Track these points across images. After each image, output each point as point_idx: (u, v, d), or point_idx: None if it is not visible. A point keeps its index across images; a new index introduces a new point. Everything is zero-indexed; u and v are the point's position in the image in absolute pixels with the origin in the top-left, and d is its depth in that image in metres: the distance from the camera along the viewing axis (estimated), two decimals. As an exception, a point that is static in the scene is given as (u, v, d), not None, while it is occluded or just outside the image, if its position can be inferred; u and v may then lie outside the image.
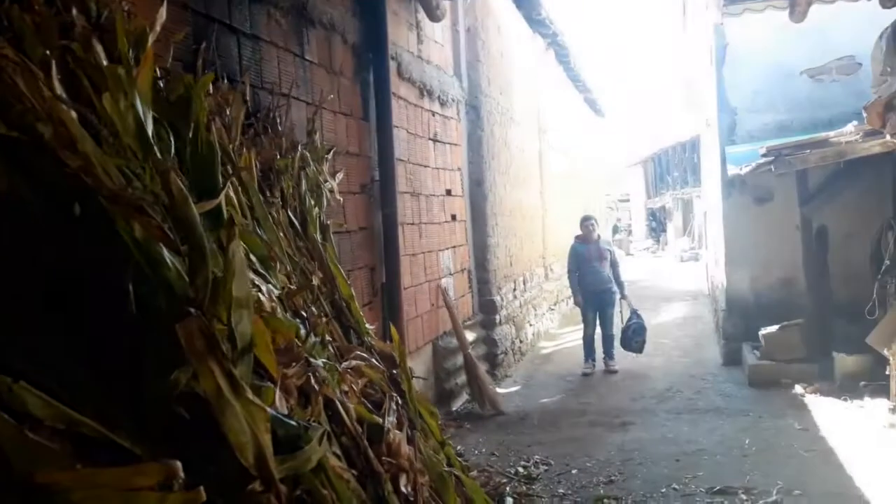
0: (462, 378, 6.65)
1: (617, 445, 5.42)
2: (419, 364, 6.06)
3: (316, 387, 2.41)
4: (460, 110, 7.53)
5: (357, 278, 4.84)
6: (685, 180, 29.14)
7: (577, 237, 8.35)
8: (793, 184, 7.03)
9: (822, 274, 7.12)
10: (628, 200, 41.00)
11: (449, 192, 7.06)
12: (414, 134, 6.14)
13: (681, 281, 18.08)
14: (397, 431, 3.02)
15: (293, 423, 1.91)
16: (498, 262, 8.28)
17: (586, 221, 8.24)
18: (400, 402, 3.52)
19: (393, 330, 3.79)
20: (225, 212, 2.53)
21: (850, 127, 5.91)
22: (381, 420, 3.08)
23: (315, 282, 3.52)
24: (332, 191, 4.27)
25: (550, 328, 11.10)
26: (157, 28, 2.06)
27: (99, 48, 1.84)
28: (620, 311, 8.38)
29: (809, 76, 7.65)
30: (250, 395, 1.57)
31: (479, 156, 7.83)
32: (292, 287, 3.10)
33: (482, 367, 6.83)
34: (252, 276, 2.66)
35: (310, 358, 2.61)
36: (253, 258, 2.83)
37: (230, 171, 2.96)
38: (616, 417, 6.19)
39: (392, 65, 5.67)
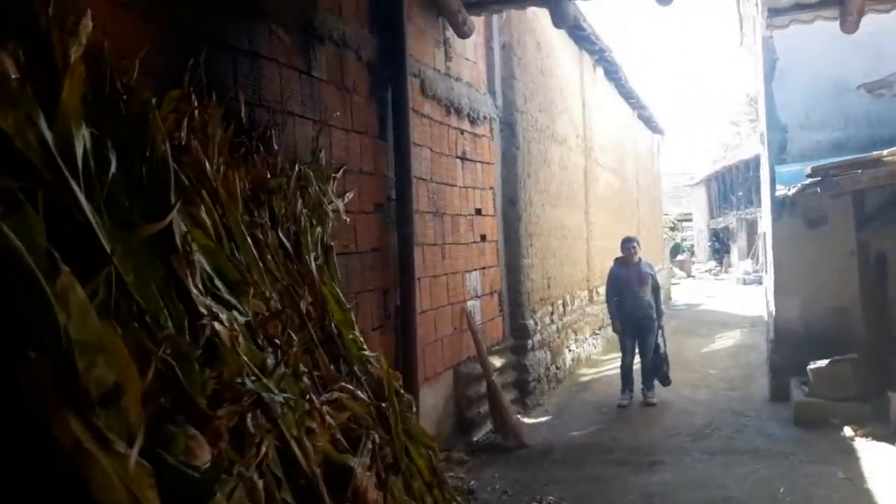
0: (485, 406, 6.40)
1: (640, 489, 5.07)
2: (438, 391, 5.86)
3: (252, 428, 2.23)
4: (493, 128, 7.33)
5: (366, 301, 4.68)
6: (749, 200, 28.16)
7: (617, 259, 8.02)
8: (848, 206, 6.55)
9: (880, 304, 6.60)
10: (690, 220, 39.92)
11: (479, 212, 6.86)
12: (439, 152, 5.97)
13: (741, 306, 17.36)
14: (367, 473, 2.82)
15: (196, 475, 1.73)
16: (532, 285, 8.01)
17: (627, 243, 7.90)
18: (382, 438, 3.33)
19: (383, 359, 3.57)
20: (178, 237, 2.42)
21: (905, 146, 5.46)
22: (353, 460, 2.90)
23: (303, 306, 3.37)
24: (336, 211, 4.13)
25: (593, 354, 10.72)
26: (83, 40, 1.94)
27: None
28: (664, 338, 7.99)
29: (867, 91, 7.16)
30: (122, 447, 1.41)
31: (513, 174, 7.61)
32: (267, 313, 2.94)
33: (506, 396, 6.56)
34: (210, 302, 2.53)
35: (264, 394, 2.45)
36: (219, 284, 2.69)
37: (203, 192, 2.85)
38: (646, 456, 5.83)
39: (414, 82, 5.54)
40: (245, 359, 2.55)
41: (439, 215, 5.93)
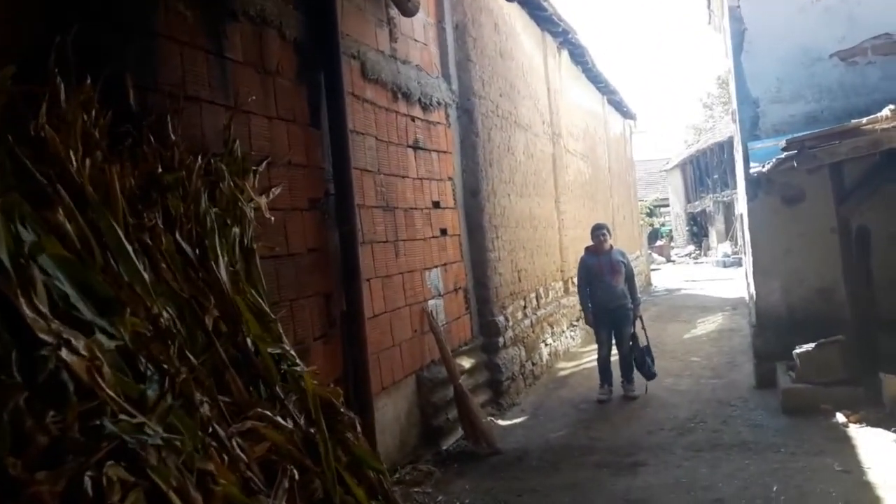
0: (454, 412, 5.94)
1: (621, 494, 4.64)
2: (399, 400, 5.39)
3: (107, 484, 1.75)
4: (450, 114, 6.86)
5: (303, 308, 4.20)
6: (725, 182, 27.98)
7: (588, 248, 7.58)
8: (826, 181, 6.15)
9: (865, 282, 6.21)
10: (667, 206, 39.76)
11: (437, 205, 6.39)
12: (386, 141, 5.49)
13: (721, 289, 17.08)
14: (277, 520, 2.35)
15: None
16: (501, 279, 7.56)
17: (597, 231, 7.46)
18: (311, 469, 2.85)
19: (307, 377, 3.09)
20: (3, 250, 1.93)
21: (885, 111, 5.05)
22: (265, 502, 2.42)
23: (209, 321, 2.88)
24: (258, 209, 3.64)
25: (571, 346, 10.30)
26: None
27: None
28: (643, 328, 7.57)
29: (840, 59, 6.76)
30: None
31: (474, 163, 7.15)
32: (150, 332, 2.45)
33: (475, 400, 6.10)
34: (59, 327, 2.04)
35: (128, 437, 1.96)
36: (80, 303, 2.19)
37: (62, 191, 2.35)
38: (627, 456, 5.40)
39: (354, 64, 5.07)
40: (110, 393, 2.06)
41: (390, 210, 5.45)
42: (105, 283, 2.38)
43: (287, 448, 2.83)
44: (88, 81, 2.73)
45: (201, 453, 2.30)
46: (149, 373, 2.38)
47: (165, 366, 2.42)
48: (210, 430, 2.53)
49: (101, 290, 2.35)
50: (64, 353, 1.96)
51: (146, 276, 2.57)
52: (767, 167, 5.80)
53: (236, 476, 2.52)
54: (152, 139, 2.97)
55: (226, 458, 2.52)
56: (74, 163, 2.47)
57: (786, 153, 5.15)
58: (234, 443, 2.63)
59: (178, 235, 2.96)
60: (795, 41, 6.82)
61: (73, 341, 2.03)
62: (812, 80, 6.84)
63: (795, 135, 5.90)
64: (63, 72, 2.66)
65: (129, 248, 2.54)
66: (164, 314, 2.66)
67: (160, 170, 2.93)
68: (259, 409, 2.82)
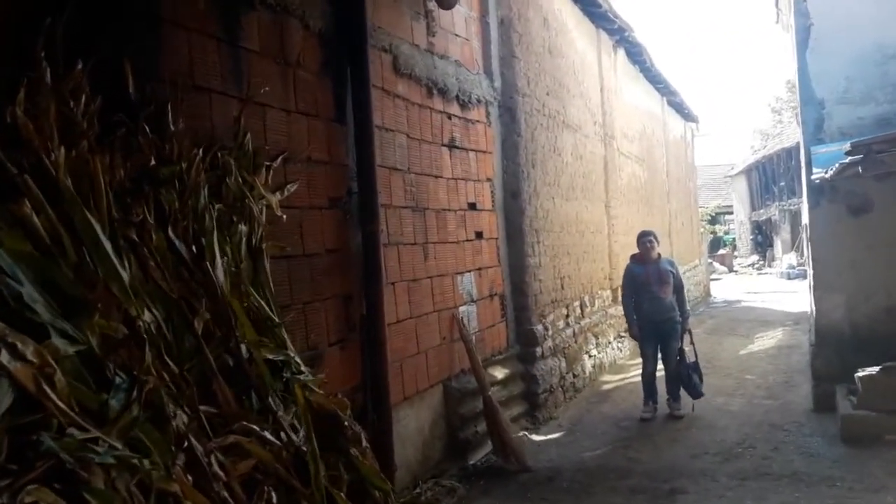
0: (483, 425, 5.66)
1: (654, 524, 4.30)
2: (423, 410, 5.16)
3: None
4: (490, 113, 6.59)
5: (318, 312, 4.00)
6: (792, 190, 26.85)
7: (633, 257, 7.19)
8: (897, 190, 5.66)
9: (940, 302, 5.68)
10: (731, 213, 38.46)
11: (473, 206, 6.13)
12: (418, 139, 5.26)
13: (784, 302, 16.29)
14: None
15: None
16: (542, 286, 7.24)
17: (644, 238, 7.06)
18: (300, 491, 2.63)
19: (298, 389, 2.87)
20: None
21: (967, 114, 4.56)
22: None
23: (198, 325, 2.69)
24: (268, 206, 3.46)
25: (618, 359, 9.88)
26: None
27: None
28: (692, 343, 7.14)
29: (919, 57, 6.21)
30: None
31: (515, 164, 6.85)
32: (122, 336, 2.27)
33: (505, 413, 5.80)
34: (5, 330, 1.86)
35: (65, 456, 1.77)
36: (38, 303, 2.02)
37: (30, 182, 2.19)
38: (665, 482, 5.02)
39: (385, 58, 4.86)
40: (59, 404, 1.87)
41: (420, 210, 5.22)
42: (75, 283, 2.21)
43: (273, 466, 2.61)
44: (79, 67, 2.58)
45: (163, 471, 2.10)
46: (117, 381, 2.20)
47: (136, 373, 2.24)
48: (185, 444, 2.34)
49: (68, 289, 2.18)
50: (5, 358, 1.79)
51: (125, 274, 2.39)
52: (830, 173, 5.34)
53: (211, 497, 2.32)
54: (147, 130, 2.80)
55: (200, 476, 2.33)
56: (53, 152, 2.32)
57: (850, 158, 4.69)
58: (213, 459, 2.43)
59: (171, 232, 2.78)
60: (867, 37, 6.29)
61: (20, 345, 1.85)
62: (885, 79, 6.29)
63: (862, 138, 5.43)
64: (55, 57, 2.52)
65: (108, 245, 2.37)
66: (147, 316, 2.49)
67: (154, 162, 2.76)
68: (245, 423, 2.62)
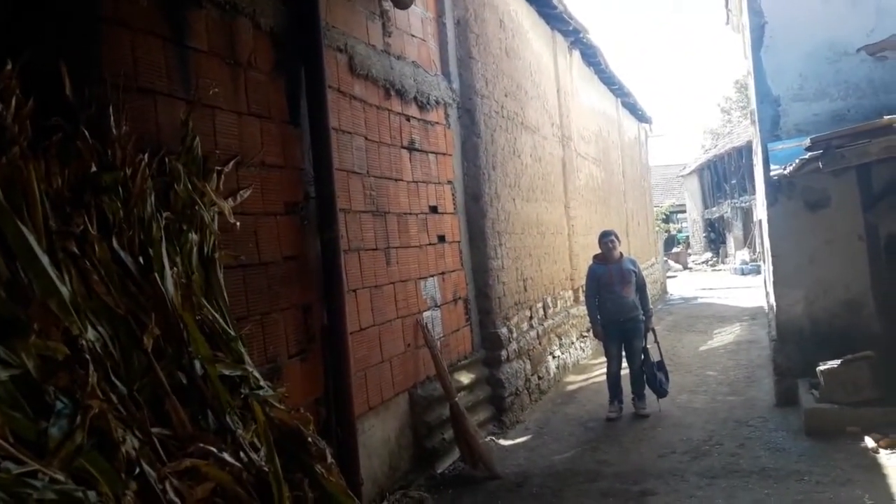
0: (451, 432, 5.54)
1: (627, 528, 4.23)
2: (389, 420, 5.01)
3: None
4: (450, 114, 6.49)
5: (277, 323, 3.83)
6: (743, 188, 27.45)
7: (596, 257, 7.16)
8: (853, 184, 5.72)
9: (896, 294, 5.76)
10: (684, 212, 39.13)
11: (434, 210, 6.01)
12: (376, 141, 5.12)
13: (739, 297, 16.57)
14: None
15: None
16: (505, 288, 7.16)
17: (605, 238, 7.04)
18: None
19: (257, 406, 2.72)
20: None
21: (922, 108, 4.62)
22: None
23: (148, 341, 2.51)
24: (220, 213, 3.28)
25: (581, 359, 9.86)
26: None
27: None
28: (656, 341, 7.14)
29: (869, 53, 6.29)
30: None
31: (475, 166, 6.76)
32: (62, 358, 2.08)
33: (473, 419, 5.70)
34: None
35: (1, 493, 1.59)
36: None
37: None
38: (634, 483, 4.97)
39: (341, 58, 4.71)
40: (-10, 436, 1.69)
41: (380, 215, 5.08)
42: (7, 301, 2.02)
43: (234, 489, 2.45)
44: (8, 67, 2.38)
45: (112, 502, 1.92)
46: (58, 406, 2.02)
47: (80, 397, 2.06)
48: (136, 471, 2.16)
49: (0, 308, 2.00)
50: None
51: (65, 290, 2.21)
52: (790, 169, 5.37)
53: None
54: (87, 134, 2.61)
55: (153, 504, 2.16)
56: (-20, 159, 2.12)
57: (810, 153, 4.71)
58: (168, 485, 2.25)
59: (115, 243, 2.60)
60: (820, 35, 6.37)
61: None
62: (838, 76, 6.38)
63: (820, 134, 5.47)
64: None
65: (45, 259, 2.18)
66: (91, 334, 2.31)
67: (95, 168, 2.57)
68: (201, 444, 2.45)
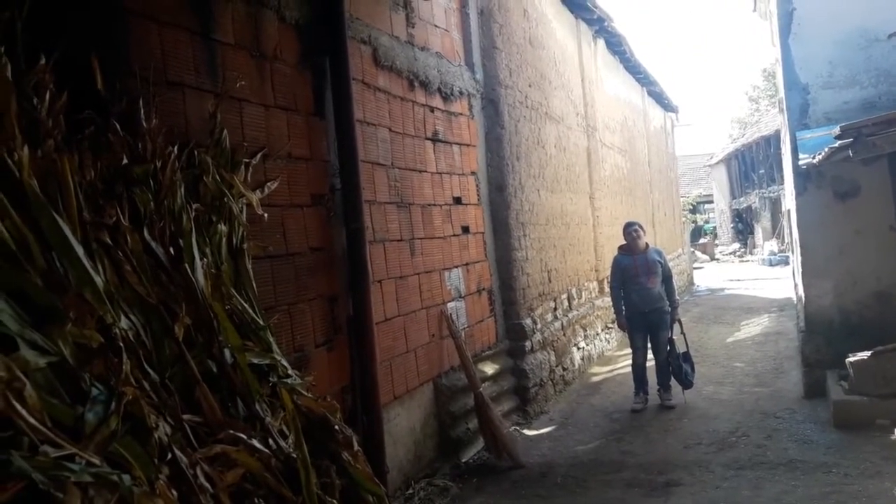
0: (475, 422, 5.57)
1: (652, 519, 4.23)
2: (414, 409, 5.05)
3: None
4: (473, 105, 6.49)
5: (304, 313, 3.88)
6: (772, 178, 27.07)
7: (621, 248, 7.13)
8: (884, 173, 5.63)
9: (928, 285, 5.66)
10: (711, 202, 38.71)
11: (458, 201, 6.03)
12: (401, 133, 5.14)
13: (768, 288, 16.39)
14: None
15: None
16: (529, 279, 7.16)
17: (629, 228, 7.00)
18: (290, 499, 2.52)
19: (285, 392, 2.76)
20: None
21: (956, 94, 4.52)
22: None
23: (179, 330, 2.56)
24: (248, 205, 3.33)
25: (606, 350, 9.83)
26: None
27: None
28: (682, 332, 7.11)
29: (902, 40, 6.19)
30: None
31: (499, 157, 6.76)
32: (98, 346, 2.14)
33: (497, 409, 5.72)
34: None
35: (38, 476, 1.65)
36: (1, 311, 1.89)
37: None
38: (660, 474, 4.97)
39: (365, 50, 4.73)
40: (30, 420, 1.75)
41: (405, 206, 5.11)
42: (44, 290, 2.08)
43: (263, 475, 2.50)
44: (42, 62, 2.44)
45: (145, 487, 1.98)
46: (94, 392, 2.08)
47: (114, 384, 2.11)
48: (168, 457, 2.22)
49: (37, 297, 2.05)
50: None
51: (99, 279, 2.26)
52: (819, 158, 5.29)
53: (195, 512, 2.20)
54: (119, 127, 2.67)
55: (186, 489, 2.21)
56: (17, 152, 2.18)
57: (840, 142, 4.64)
58: (199, 471, 2.31)
59: (146, 234, 2.65)
60: (850, 21, 6.26)
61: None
62: (869, 62, 6.26)
63: (850, 122, 5.38)
64: (15, 52, 2.38)
65: (79, 249, 2.24)
66: (124, 323, 2.36)
67: (126, 161, 2.62)
68: (231, 431, 2.50)
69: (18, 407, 1.75)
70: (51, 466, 1.72)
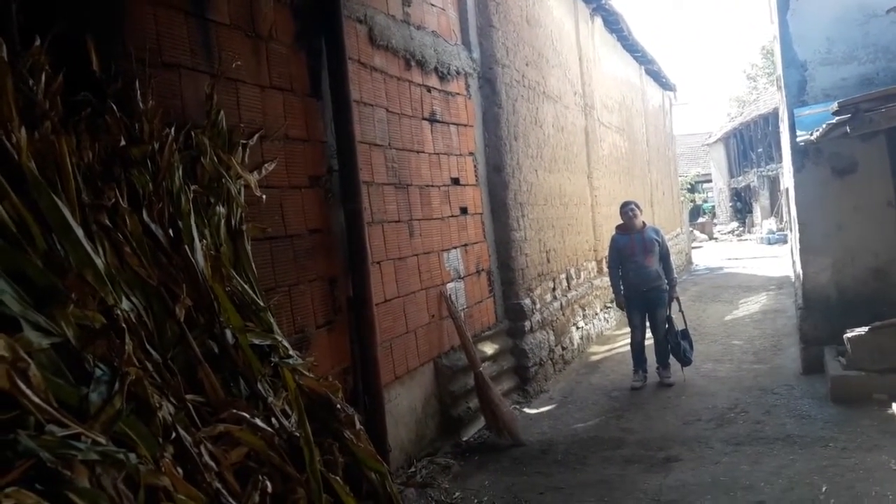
0: (475, 401, 5.61)
1: (652, 494, 4.26)
2: (415, 389, 5.08)
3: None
4: (470, 85, 6.46)
5: (304, 294, 3.89)
6: (770, 156, 27.03)
7: (618, 227, 7.13)
8: (882, 149, 5.62)
9: (926, 260, 5.68)
10: (710, 181, 38.66)
11: (456, 181, 6.02)
12: (398, 113, 5.13)
13: (766, 267, 16.43)
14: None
15: None
16: (527, 260, 7.18)
17: (625, 207, 7.00)
18: (294, 478, 2.55)
19: (287, 373, 2.78)
20: None
21: (955, 69, 4.51)
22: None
23: (180, 311, 2.57)
24: (246, 186, 3.33)
25: (605, 329, 9.87)
26: None
27: None
28: (681, 310, 7.13)
29: (900, 14, 6.16)
30: None
31: (497, 137, 6.74)
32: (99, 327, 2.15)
33: (497, 388, 5.75)
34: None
35: (45, 455, 1.66)
36: (4, 293, 1.90)
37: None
38: (660, 450, 5.01)
39: (360, 29, 4.71)
40: (36, 401, 1.76)
41: (403, 187, 5.11)
42: (45, 272, 2.08)
43: (266, 453, 2.52)
44: (37, 43, 2.43)
45: (151, 465, 2.00)
46: (97, 373, 2.09)
47: (117, 364, 2.13)
48: (173, 436, 2.24)
49: (39, 279, 2.06)
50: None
51: (99, 261, 2.27)
52: (817, 134, 5.28)
53: (203, 488, 2.23)
54: (115, 109, 2.66)
55: (191, 468, 2.23)
56: (14, 134, 2.17)
57: (838, 118, 4.64)
58: (203, 450, 2.33)
59: (145, 216, 2.66)
60: (848, -4, 6.23)
61: (-13, 338, 1.74)
62: (867, 38, 6.23)
63: (848, 98, 5.37)
64: (10, 33, 2.37)
65: (79, 231, 2.24)
66: (125, 304, 2.37)
67: (124, 142, 2.62)
68: (234, 411, 2.52)
69: (23, 387, 1.76)
70: (57, 445, 1.73)
